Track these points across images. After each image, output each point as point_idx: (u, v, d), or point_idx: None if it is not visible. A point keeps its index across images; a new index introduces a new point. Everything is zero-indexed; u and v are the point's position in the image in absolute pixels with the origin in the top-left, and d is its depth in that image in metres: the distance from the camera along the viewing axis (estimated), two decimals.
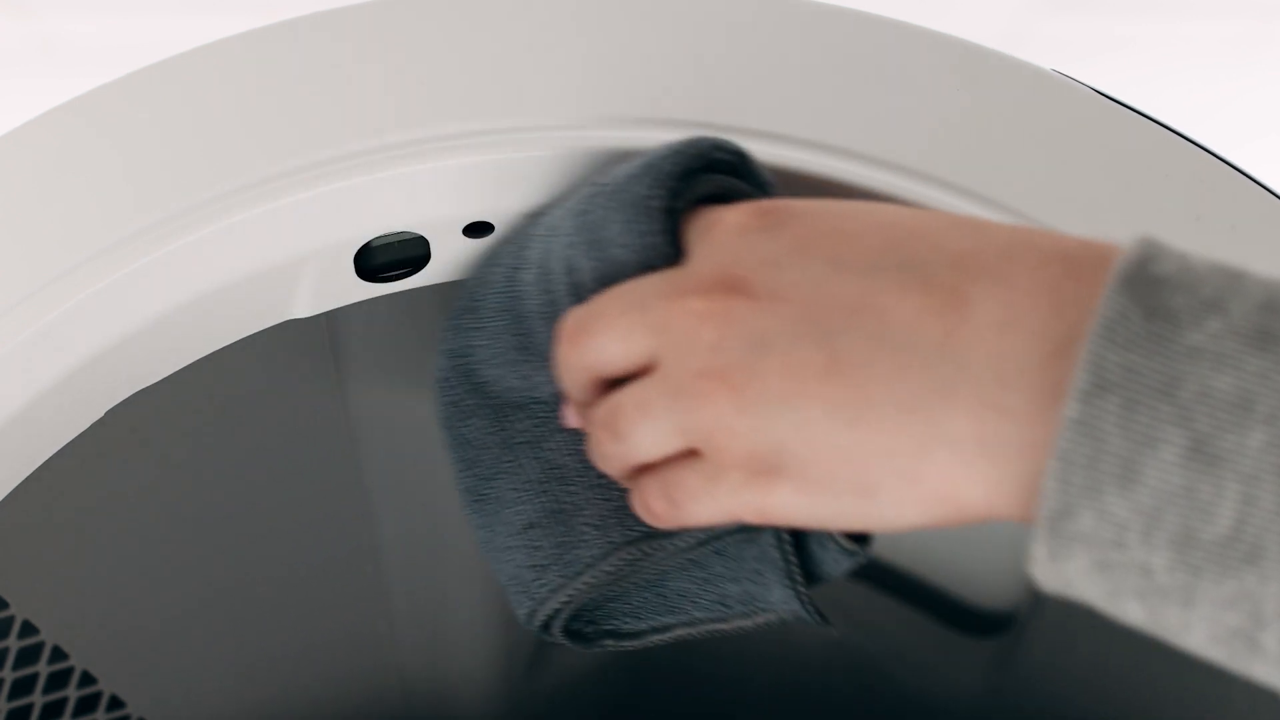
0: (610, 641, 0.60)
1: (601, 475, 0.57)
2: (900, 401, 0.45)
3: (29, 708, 0.74)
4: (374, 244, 0.62)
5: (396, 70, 0.62)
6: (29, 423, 0.58)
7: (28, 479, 0.60)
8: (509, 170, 0.60)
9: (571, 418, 0.56)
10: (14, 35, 1.26)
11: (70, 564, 0.72)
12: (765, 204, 0.50)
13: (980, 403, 0.44)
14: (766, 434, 0.46)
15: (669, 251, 0.52)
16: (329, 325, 0.68)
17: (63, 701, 0.75)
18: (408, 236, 0.62)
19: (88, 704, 0.76)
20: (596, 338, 0.51)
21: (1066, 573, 0.43)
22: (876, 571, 0.78)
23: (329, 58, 0.62)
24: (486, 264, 0.61)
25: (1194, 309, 0.41)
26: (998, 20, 1.28)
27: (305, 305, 0.63)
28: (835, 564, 0.55)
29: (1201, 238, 0.59)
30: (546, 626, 0.59)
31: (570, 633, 0.60)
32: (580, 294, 0.54)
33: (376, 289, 0.63)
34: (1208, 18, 1.30)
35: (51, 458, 0.60)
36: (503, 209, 0.62)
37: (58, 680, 0.75)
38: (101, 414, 0.61)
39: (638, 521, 0.56)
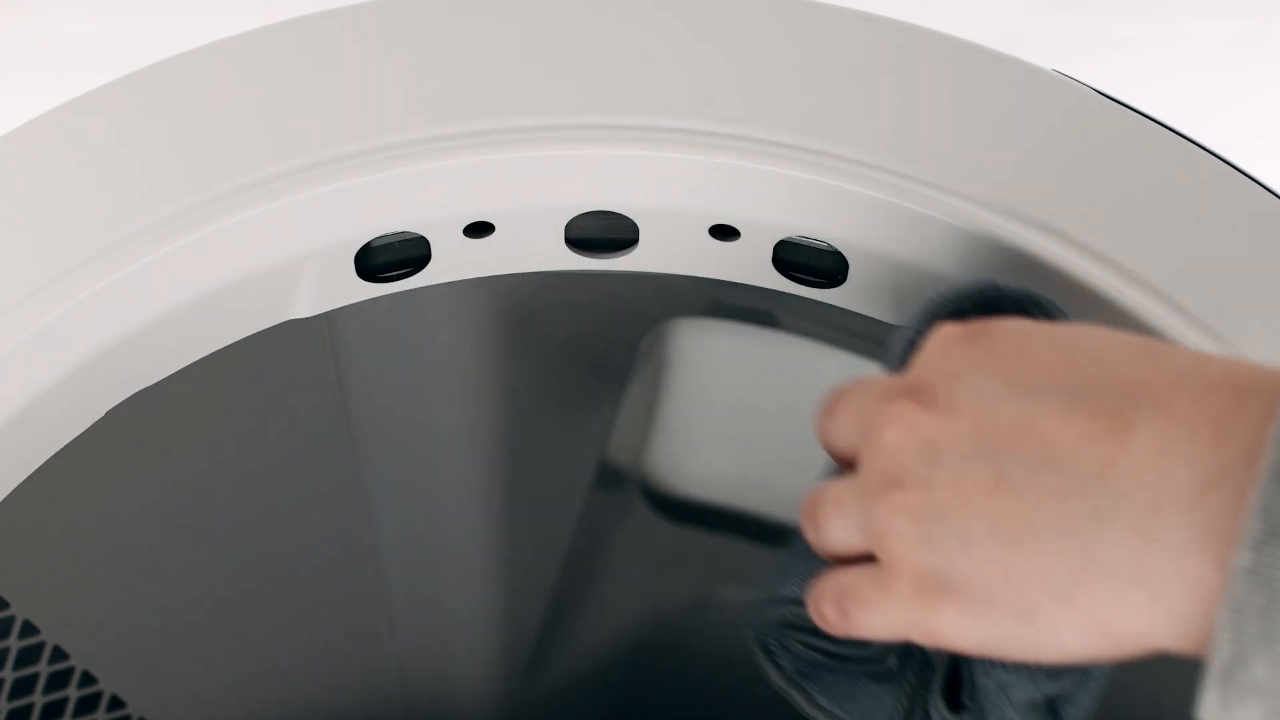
0: (798, 695, 0.60)
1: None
2: (1058, 526, 0.45)
3: (29, 708, 0.74)
4: (374, 244, 0.62)
5: (397, 70, 0.62)
6: (29, 423, 0.58)
7: (28, 479, 0.60)
8: (509, 170, 0.60)
9: None
10: (14, 35, 1.26)
11: (71, 564, 0.72)
12: (978, 322, 0.51)
13: (1135, 532, 0.44)
14: (933, 545, 0.47)
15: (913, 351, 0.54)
16: (329, 325, 0.68)
17: (63, 701, 0.75)
18: (408, 236, 0.62)
19: (88, 704, 0.76)
20: (829, 419, 0.52)
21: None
22: None
23: (329, 58, 0.62)
24: None
25: None
26: (998, 20, 1.28)
27: (305, 305, 0.63)
28: None
29: (1201, 238, 0.59)
30: (749, 630, 0.60)
31: (772, 659, 0.60)
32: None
33: (376, 289, 0.63)
34: (1208, 18, 1.30)
35: (51, 458, 0.60)
36: (503, 209, 0.62)
37: (58, 680, 0.75)
38: (101, 414, 0.61)
39: None
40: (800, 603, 0.57)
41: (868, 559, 0.50)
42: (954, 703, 0.56)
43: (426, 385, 0.75)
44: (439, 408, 0.76)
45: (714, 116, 0.61)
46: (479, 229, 0.62)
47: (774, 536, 0.84)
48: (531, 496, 0.82)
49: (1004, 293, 0.56)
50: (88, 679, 0.76)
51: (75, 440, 0.61)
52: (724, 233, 0.63)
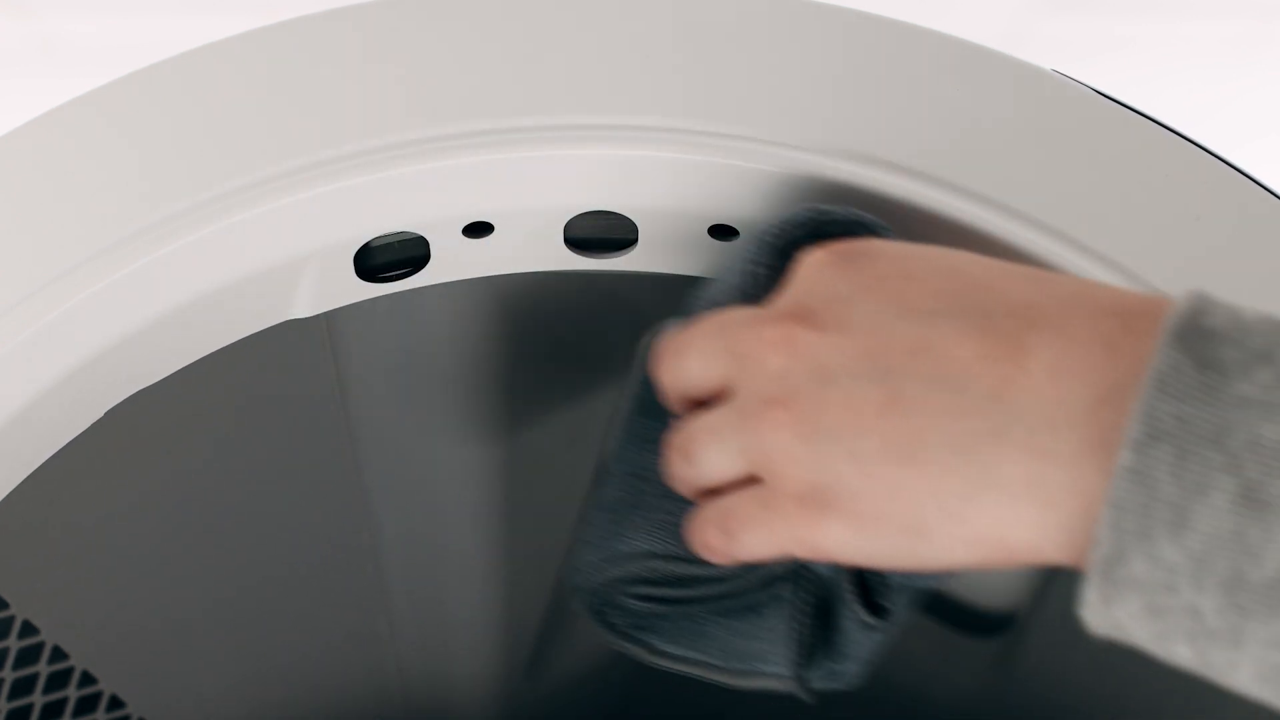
0: (637, 649, 0.61)
1: (673, 493, 0.58)
2: (952, 444, 0.46)
3: (29, 708, 0.74)
4: (374, 244, 0.62)
5: (397, 70, 0.62)
6: (29, 423, 0.58)
7: (28, 479, 0.60)
8: (509, 170, 0.60)
9: None
10: (14, 35, 1.26)
11: (70, 564, 0.72)
12: (847, 244, 0.51)
13: (1029, 448, 0.45)
14: (823, 464, 0.48)
15: (766, 283, 0.54)
16: (329, 325, 0.68)
17: (63, 701, 0.75)
18: (408, 236, 0.62)
19: (88, 704, 0.76)
20: (682, 359, 0.52)
21: (1117, 616, 0.44)
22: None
23: (329, 58, 0.62)
24: None
25: (1244, 360, 0.43)
26: (998, 20, 1.28)
27: (305, 305, 0.63)
28: (856, 640, 0.57)
29: (1201, 238, 0.59)
30: (575, 594, 0.60)
31: (603, 619, 0.61)
32: (694, 314, 0.56)
33: (376, 289, 0.63)
34: (1208, 18, 1.30)
35: (51, 458, 0.60)
36: (503, 209, 0.62)
37: (58, 680, 0.75)
38: (101, 414, 0.61)
39: (677, 543, 0.57)
40: (640, 556, 0.58)
41: (742, 486, 0.51)
42: (871, 608, 0.56)
43: (426, 385, 0.75)
44: (439, 408, 0.76)
45: (714, 116, 0.61)
46: (478, 229, 0.62)
47: None
48: (531, 496, 0.82)
49: (833, 216, 0.56)
50: (87, 679, 0.76)
51: (75, 440, 0.61)
52: (724, 233, 0.63)
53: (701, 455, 0.51)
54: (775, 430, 0.48)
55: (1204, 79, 1.27)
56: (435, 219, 0.62)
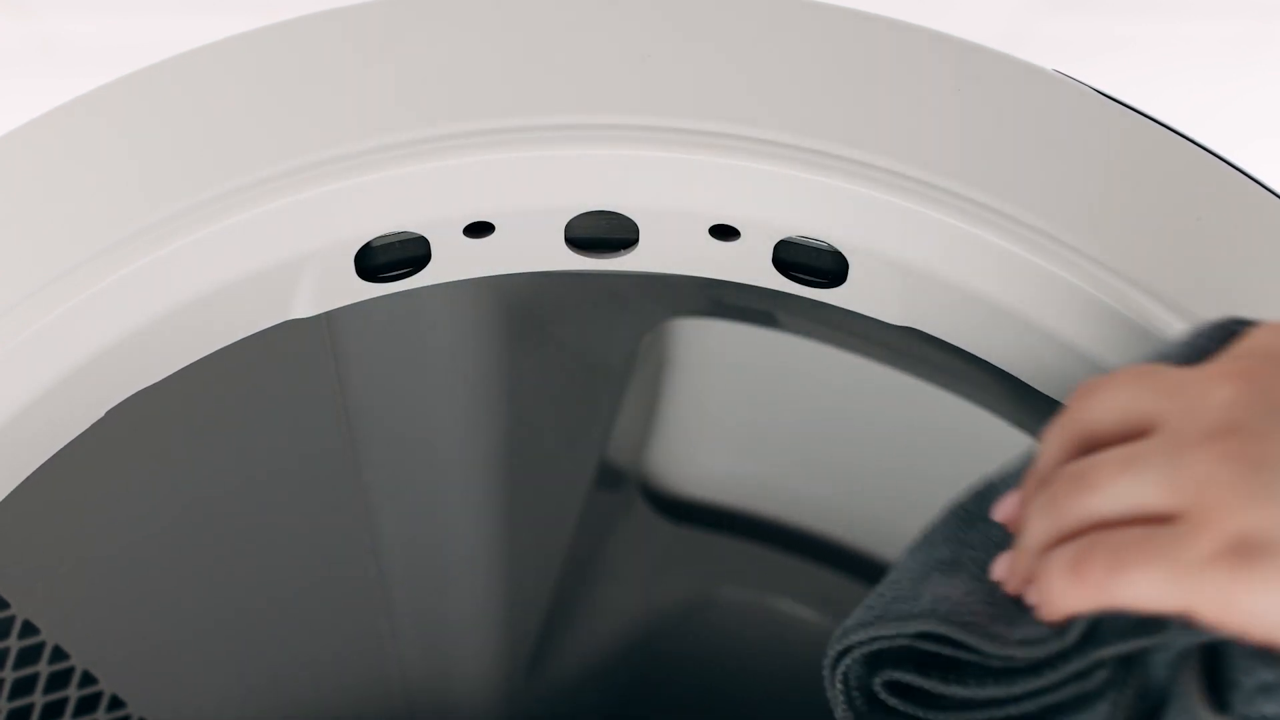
0: None
1: (983, 573, 0.51)
2: None
3: (29, 708, 0.74)
4: (374, 244, 0.62)
5: (397, 70, 0.62)
6: (29, 423, 0.58)
7: (28, 479, 0.60)
8: (509, 170, 0.60)
9: (1004, 509, 0.50)
10: (14, 35, 1.26)
11: (71, 564, 0.72)
12: None
13: None
14: (1262, 506, 0.41)
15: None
16: (329, 325, 0.68)
17: (63, 701, 0.75)
18: (408, 236, 0.62)
19: (88, 704, 0.76)
20: (1103, 393, 0.46)
21: None
22: (875, 570, 0.78)
23: (329, 58, 0.62)
24: None
25: None
26: (998, 20, 1.28)
27: (305, 305, 0.63)
28: None
29: (1201, 238, 0.59)
30: (835, 665, 0.52)
31: (848, 699, 0.53)
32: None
33: (376, 289, 0.63)
34: (1208, 18, 1.30)
35: (51, 458, 0.60)
36: (503, 209, 0.62)
37: (58, 680, 0.74)
38: (101, 414, 0.61)
39: (968, 614, 0.50)
40: (919, 615, 0.49)
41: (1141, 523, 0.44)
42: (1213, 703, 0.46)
43: (426, 385, 0.75)
44: (439, 408, 0.76)
45: (714, 116, 0.61)
46: (479, 229, 0.62)
47: (773, 536, 0.84)
48: (531, 497, 0.82)
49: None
50: (88, 679, 0.76)
51: (75, 440, 0.61)
52: (724, 233, 0.63)
53: (1109, 483, 0.44)
54: (1210, 461, 0.42)
55: (1204, 79, 1.27)
56: (436, 219, 0.62)
